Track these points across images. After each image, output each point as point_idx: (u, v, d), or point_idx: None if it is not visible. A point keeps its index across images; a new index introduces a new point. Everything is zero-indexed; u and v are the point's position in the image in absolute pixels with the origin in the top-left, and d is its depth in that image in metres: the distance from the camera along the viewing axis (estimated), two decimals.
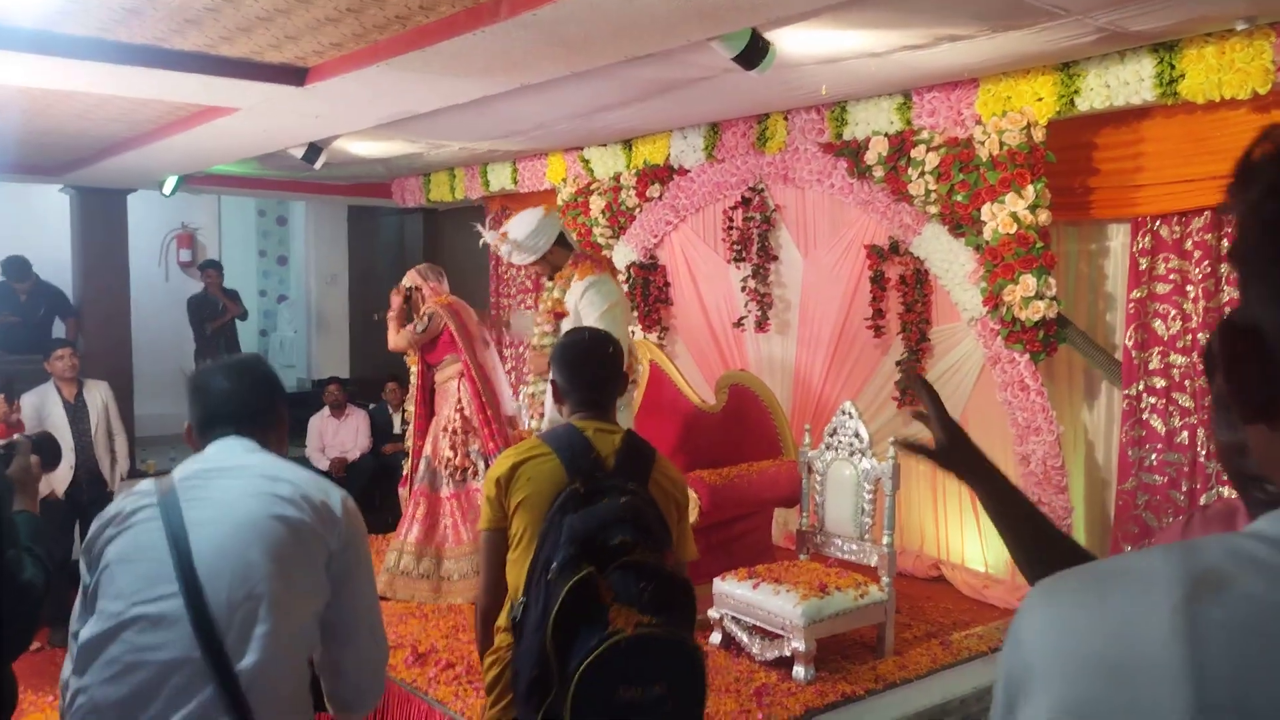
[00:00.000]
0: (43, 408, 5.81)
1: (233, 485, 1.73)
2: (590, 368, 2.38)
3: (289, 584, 1.64)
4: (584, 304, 4.15)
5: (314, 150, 5.83)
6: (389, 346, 5.38)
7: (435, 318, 5.09)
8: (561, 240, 4.34)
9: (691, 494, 4.28)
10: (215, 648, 1.54)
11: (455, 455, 4.97)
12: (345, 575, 1.74)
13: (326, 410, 7.40)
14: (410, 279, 5.21)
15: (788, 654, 3.82)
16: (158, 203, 8.20)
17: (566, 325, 4.28)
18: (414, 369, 5.21)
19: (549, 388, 2.31)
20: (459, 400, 5.03)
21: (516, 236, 4.25)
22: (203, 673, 1.54)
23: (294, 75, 4.18)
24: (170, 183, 7.30)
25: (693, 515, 4.20)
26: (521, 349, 7.12)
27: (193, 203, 9.05)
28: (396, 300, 5.22)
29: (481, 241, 4.52)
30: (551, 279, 4.37)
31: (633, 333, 6.33)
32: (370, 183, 8.35)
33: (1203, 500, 4.13)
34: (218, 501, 1.70)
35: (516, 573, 2.17)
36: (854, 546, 4.17)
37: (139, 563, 1.61)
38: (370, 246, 9.96)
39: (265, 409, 1.92)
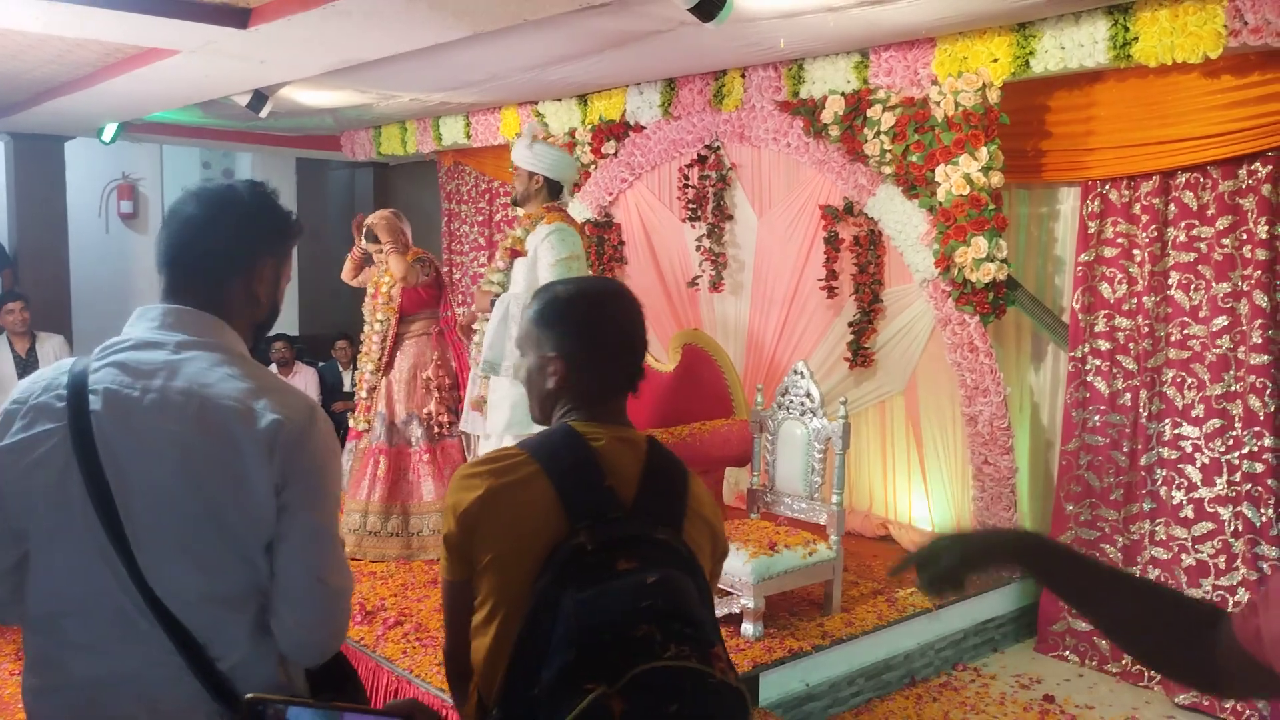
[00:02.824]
0: None
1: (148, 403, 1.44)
2: (627, 330, 1.60)
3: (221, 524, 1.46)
4: (543, 246, 4.02)
5: (259, 98, 5.66)
6: (349, 279, 5.27)
7: (425, 264, 5.01)
8: (555, 186, 4.24)
9: None
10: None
11: (439, 411, 4.89)
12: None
13: (274, 368, 7.27)
14: (383, 224, 5.01)
15: (737, 611, 3.84)
16: (98, 151, 7.94)
17: (520, 268, 4.16)
18: (379, 317, 5.00)
19: (537, 365, 1.62)
20: (438, 355, 4.95)
21: (537, 144, 4.19)
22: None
23: (236, 16, 4.04)
24: (110, 130, 7.06)
25: None
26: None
27: (134, 152, 8.76)
28: (359, 252, 5.16)
29: (527, 124, 4.41)
30: (516, 202, 4.28)
31: None
32: (319, 135, 8.15)
33: (1143, 461, 4.21)
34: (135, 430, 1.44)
35: (485, 656, 1.50)
36: (804, 505, 4.20)
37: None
38: (319, 201, 9.74)
39: (232, 264, 1.55)
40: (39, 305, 6.87)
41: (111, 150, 7.83)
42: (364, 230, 5.11)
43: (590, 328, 1.58)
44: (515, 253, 4.18)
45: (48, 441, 1.45)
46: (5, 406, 1.51)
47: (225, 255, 1.56)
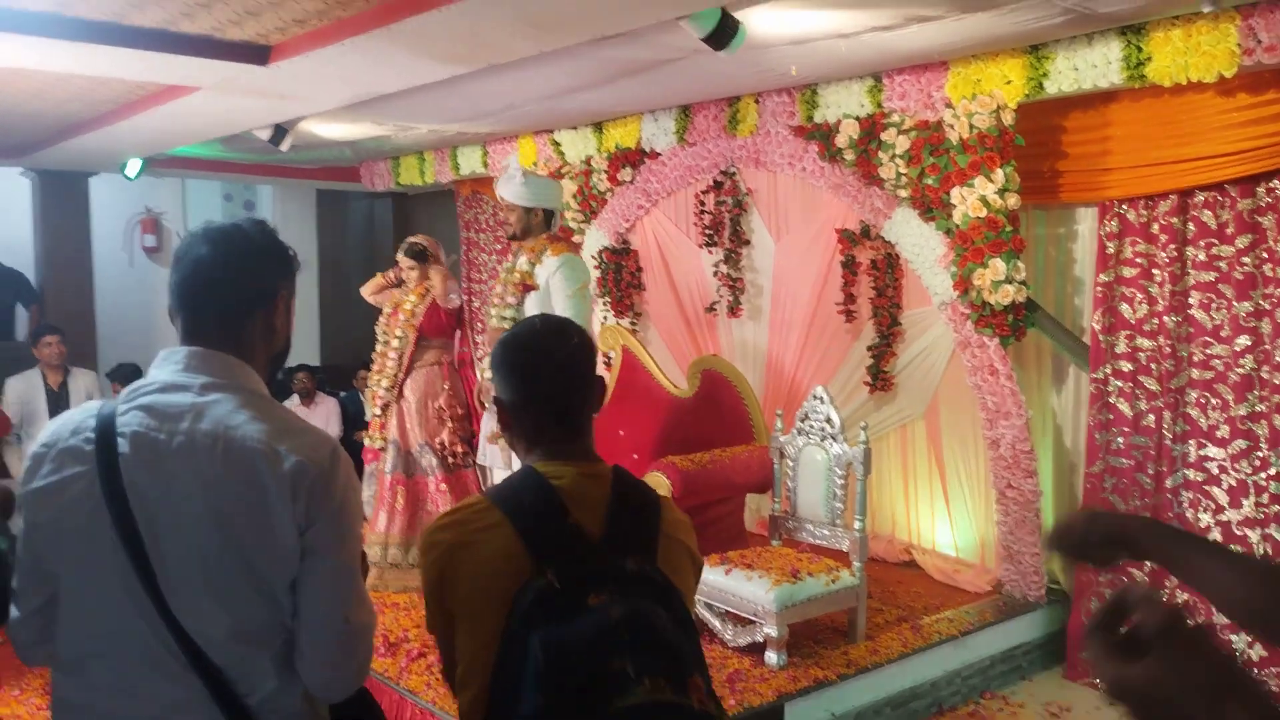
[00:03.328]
0: (27, 393, 5.76)
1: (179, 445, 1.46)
2: (551, 373, 1.60)
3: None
4: (556, 279, 4.15)
5: (280, 132, 5.73)
6: (368, 293, 5.27)
7: (458, 290, 5.03)
8: (550, 215, 4.34)
9: (664, 480, 4.28)
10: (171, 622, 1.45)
11: (452, 441, 4.89)
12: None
13: (296, 399, 7.31)
14: (431, 240, 5.07)
15: (760, 640, 3.82)
16: (121, 186, 8.04)
17: (533, 301, 4.24)
18: (398, 334, 4.96)
19: (493, 411, 1.75)
20: (448, 386, 4.95)
21: (528, 177, 4.29)
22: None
23: (256, 54, 4.10)
24: (133, 165, 7.17)
25: None
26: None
27: (157, 186, 8.88)
28: (392, 276, 5.19)
29: (510, 159, 4.50)
30: (516, 237, 4.34)
31: (604, 319, 6.31)
32: (338, 166, 8.24)
33: (1169, 483, 4.16)
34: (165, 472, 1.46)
35: (468, 708, 1.51)
36: (826, 532, 4.17)
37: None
38: (339, 231, 9.84)
39: (250, 301, 1.58)
40: (65, 338, 6.96)
41: (135, 185, 7.94)
42: (405, 246, 5.09)
43: (520, 370, 1.61)
44: (527, 286, 4.23)
45: (77, 484, 1.47)
46: (34, 449, 1.53)
47: (244, 292, 1.59)
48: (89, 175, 7.74)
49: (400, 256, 5.03)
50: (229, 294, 1.57)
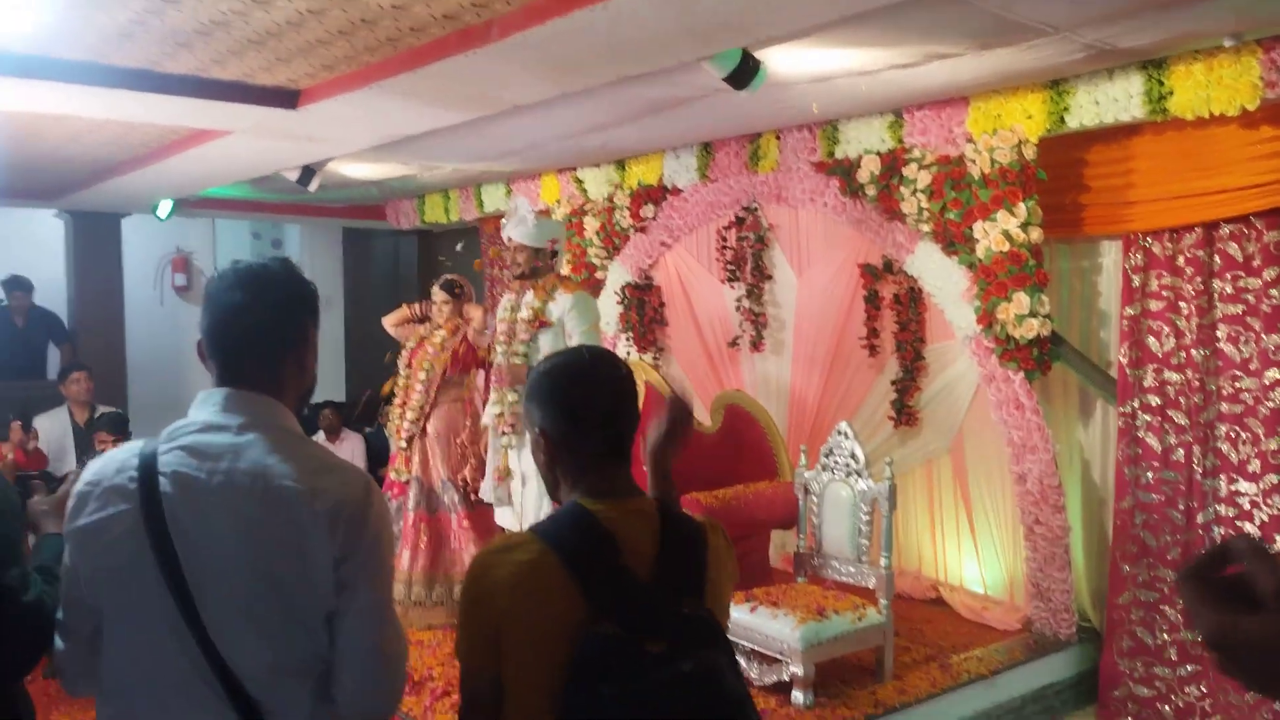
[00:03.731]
0: (54, 430, 5.83)
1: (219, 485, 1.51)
2: (607, 404, 1.58)
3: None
4: (571, 315, 4.26)
5: (308, 173, 5.83)
6: (390, 324, 5.33)
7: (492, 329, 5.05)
8: (555, 255, 4.45)
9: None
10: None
11: (474, 477, 4.88)
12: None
13: (321, 435, 7.36)
14: (466, 280, 5.15)
15: (786, 679, 3.78)
16: (152, 226, 8.18)
17: (547, 338, 4.28)
18: (426, 366, 4.97)
19: (535, 440, 1.62)
20: (470, 422, 4.95)
21: (532, 214, 4.38)
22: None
23: (286, 98, 4.18)
24: (165, 206, 7.30)
25: None
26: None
27: (187, 226, 9.03)
28: (418, 310, 5.26)
29: (515, 199, 4.57)
30: (523, 277, 4.39)
31: (626, 354, 6.33)
32: (364, 205, 8.36)
33: (1200, 519, 4.11)
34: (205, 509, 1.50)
35: None
36: (851, 568, 4.14)
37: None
38: (365, 269, 9.95)
39: (283, 342, 1.62)
40: (96, 376, 7.06)
41: (165, 224, 8.08)
42: (442, 280, 5.14)
43: (569, 401, 1.57)
44: (541, 324, 4.29)
45: (122, 522, 1.52)
46: (78, 489, 1.59)
47: (276, 335, 1.64)
48: (121, 216, 7.89)
49: (436, 290, 5.09)
50: (262, 337, 1.63)
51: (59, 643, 1.61)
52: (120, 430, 5.15)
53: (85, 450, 5.83)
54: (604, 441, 1.57)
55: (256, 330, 1.62)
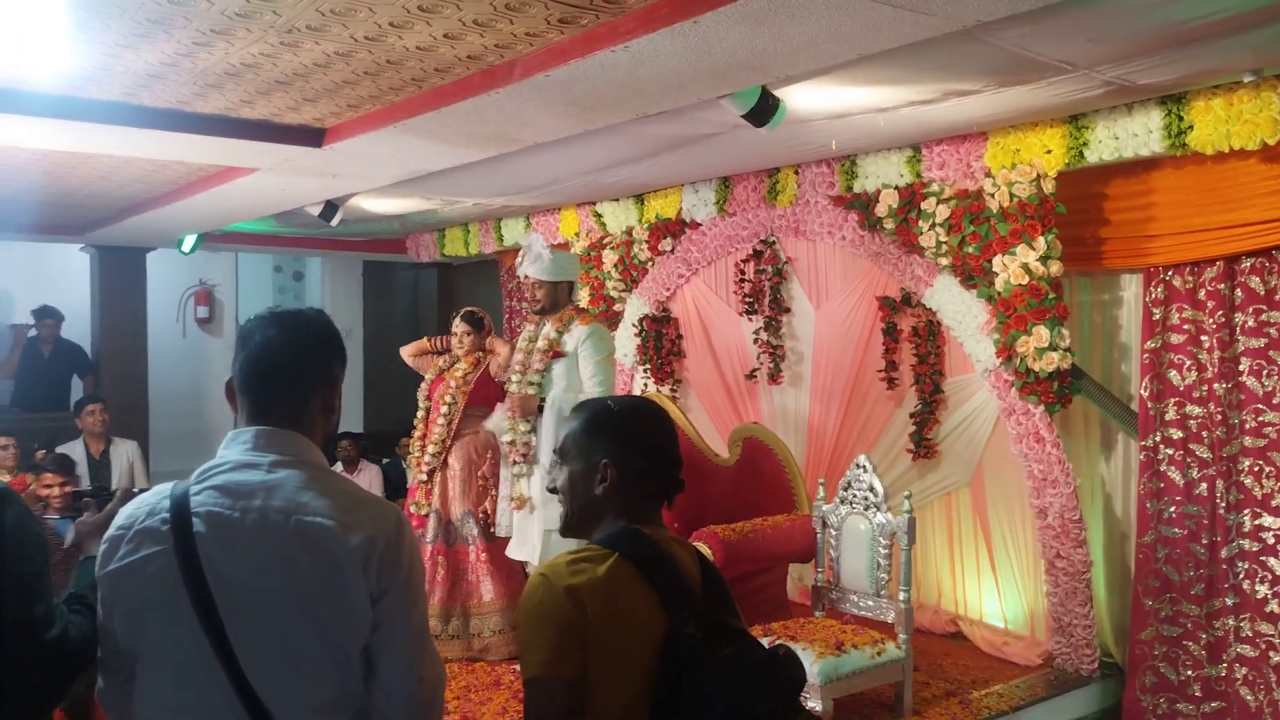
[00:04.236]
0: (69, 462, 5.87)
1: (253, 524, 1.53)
2: (673, 448, 1.76)
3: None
4: (585, 347, 4.36)
5: (331, 208, 5.91)
6: (409, 354, 5.37)
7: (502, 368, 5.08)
8: (572, 287, 4.54)
9: (705, 549, 4.26)
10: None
11: (494, 510, 4.88)
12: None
13: (340, 466, 7.40)
14: (488, 317, 5.19)
15: None
16: (176, 260, 8.31)
17: (561, 368, 4.36)
18: (448, 399, 4.97)
19: (584, 471, 1.71)
20: (491, 454, 4.95)
21: (548, 250, 4.44)
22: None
23: (312, 136, 4.26)
24: (189, 241, 7.40)
25: None
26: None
27: (210, 260, 9.16)
28: (437, 343, 5.32)
29: (529, 236, 4.65)
30: (542, 312, 4.45)
31: (644, 386, 6.35)
32: (385, 238, 8.45)
33: (1223, 554, 4.07)
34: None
35: None
36: (870, 602, 4.12)
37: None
38: (385, 301, 10.05)
39: (314, 382, 1.67)
40: (119, 408, 7.16)
41: (189, 258, 8.19)
42: (464, 313, 5.17)
43: (643, 437, 1.72)
44: (556, 354, 4.37)
45: (155, 563, 1.54)
46: (110, 533, 1.61)
47: (311, 372, 1.68)
48: (147, 251, 8.00)
49: (457, 322, 5.12)
50: (294, 377, 1.66)
51: (100, 681, 1.62)
52: (68, 472, 4.93)
53: (99, 480, 5.87)
54: (668, 479, 1.73)
55: (290, 368, 1.66)
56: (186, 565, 1.51)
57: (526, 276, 4.50)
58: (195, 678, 1.51)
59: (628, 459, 1.68)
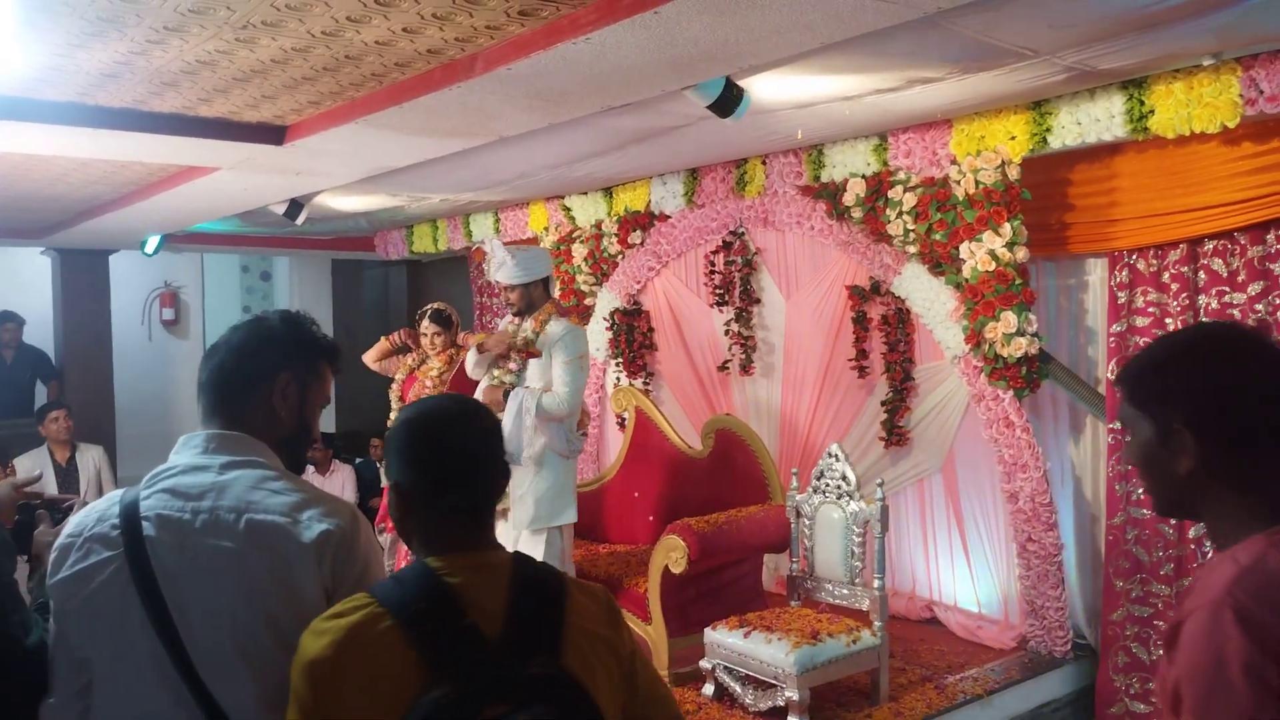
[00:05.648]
0: (35, 470, 5.77)
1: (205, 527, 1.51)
2: (470, 462, 1.47)
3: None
4: (559, 346, 4.32)
5: (295, 206, 5.84)
6: (373, 360, 5.33)
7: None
8: (547, 283, 4.46)
9: (680, 542, 4.26)
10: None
11: None
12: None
13: (311, 468, 7.33)
14: (448, 317, 5.13)
15: (781, 704, 3.76)
16: (140, 261, 8.19)
17: (535, 367, 4.33)
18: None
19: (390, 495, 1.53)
20: None
21: (516, 254, 4.38)
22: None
23: (273, 134, 4.20)
24: (153, 242, 7.30)
25: (681, 564, 4.18)
26: None
27: (175, 261, 9.04)
28: (398, 338, 5.25)
29: (489, 244, 4.59)
30: (521, 314, 4.42)
31: (616, 380, 6.33)
32: (353, 236, 8.37)
33: (1191, 534, 4.12)
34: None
35: None
36: (845, 591, 4.13)
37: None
38: (355, 299, 9.96)
39: (249, 382, 1.64)
40: (84, 413, 7.05)
41: (153, 259, 8.08)
42: (431, 311, 5.12)
43: (422, 455, 1.47)
44: (530, 355, 4.34)
45: (105, 569, 1.52)
46: (60, 541, 1.58)
47: (249, 372, 1.66)
48: (109, 253, 7.88)
49: (425, 322, 5.07)
50: (232, 377, 1.66)
51: (50, 697, 1.59)
52: None
53: (68, 487, 5.79)
54: (461, 497, 1.45)
55: (228, 369, 1.65)
56: (138, 569, 1.49)
57: (497, 284, 4.48)
58: (149, 683, 1.49)
59: (411, 481, 1.45)
